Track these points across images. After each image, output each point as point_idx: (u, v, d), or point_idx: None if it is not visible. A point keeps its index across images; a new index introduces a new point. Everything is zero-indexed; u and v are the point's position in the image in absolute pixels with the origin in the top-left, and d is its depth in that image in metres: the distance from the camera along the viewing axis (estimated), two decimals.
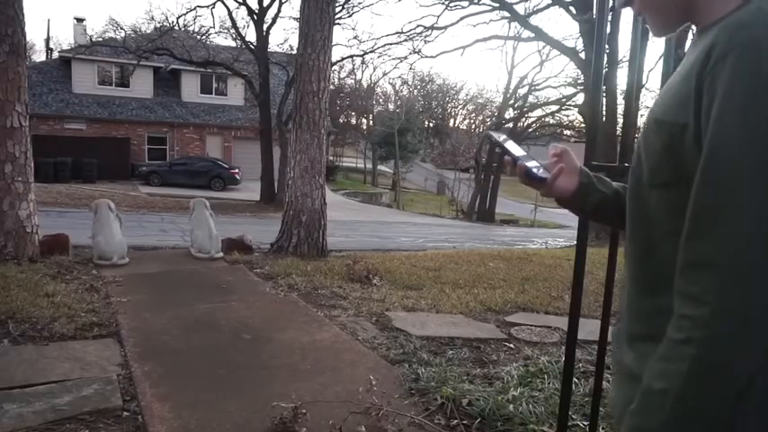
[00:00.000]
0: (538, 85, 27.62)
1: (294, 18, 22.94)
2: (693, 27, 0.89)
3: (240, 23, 32.68)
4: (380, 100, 45.86)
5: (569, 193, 1.11)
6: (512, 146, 1.11)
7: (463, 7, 14.42)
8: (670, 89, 0.86)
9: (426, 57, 28.34)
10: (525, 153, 1.10)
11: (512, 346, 3.84)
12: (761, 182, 0.69)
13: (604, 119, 11.05)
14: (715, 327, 0.71)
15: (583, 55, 14.28)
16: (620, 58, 8.20)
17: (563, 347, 3.07)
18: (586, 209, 1.15)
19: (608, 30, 1.92)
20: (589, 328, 3.30)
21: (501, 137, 1.14)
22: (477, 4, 13.91)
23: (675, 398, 0.74)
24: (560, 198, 1.13)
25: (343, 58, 23.73)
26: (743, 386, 0.71)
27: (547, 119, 27.42)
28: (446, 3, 14.23)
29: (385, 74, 64.04)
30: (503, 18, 15.95)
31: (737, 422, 0.72)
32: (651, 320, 0.87)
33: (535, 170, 1.07)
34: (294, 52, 13.98)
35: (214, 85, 27.19)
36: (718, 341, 0.71)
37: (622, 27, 2.27)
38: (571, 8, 14.00)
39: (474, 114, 52.58)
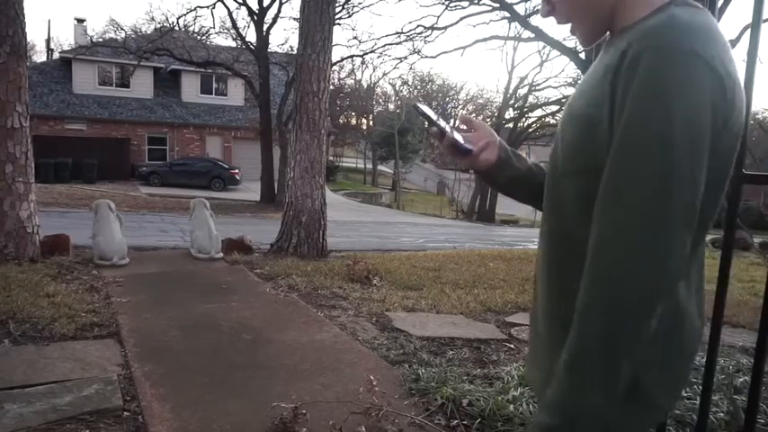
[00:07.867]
0: (538, 85, 27.56)
1: (294, 18, 22.96)
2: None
3: (240, 24, 32.76)
4: (380, 100, 45.89)
5: (489, 166, 1.14)
6: (437, 118, 1.12)
7: (463, 7, 14.38)
8: (586, 87, 0.90)
9: (426, 57, 28.36)
10: (450, 125, 1.11)
11: (512, 346, 3.84)
12: (659, 170, 0.75)
13: None
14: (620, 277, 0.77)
15: (583, 55, 14.27)
16: None
17: None
18: (500, 182, 1.17)
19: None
20: None
21: (427, 108, 1.14)
22: (477, 4, 13.87)
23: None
24: (479, 170, 1.15)
25: (343, 59, 23.71)
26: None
27: (547, 119, 27.36)
28: (446, 3, 14.19)
29: (385, 74, 64.25)
30: (503, 18, 15.97)
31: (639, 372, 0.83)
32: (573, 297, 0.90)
33: (462, 143, 1.09)
34: (294, 52, 13.98)
35: (214, 85, 27.19)
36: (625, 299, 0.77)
37: None
38: None
39: (474, 114, 52.61)
